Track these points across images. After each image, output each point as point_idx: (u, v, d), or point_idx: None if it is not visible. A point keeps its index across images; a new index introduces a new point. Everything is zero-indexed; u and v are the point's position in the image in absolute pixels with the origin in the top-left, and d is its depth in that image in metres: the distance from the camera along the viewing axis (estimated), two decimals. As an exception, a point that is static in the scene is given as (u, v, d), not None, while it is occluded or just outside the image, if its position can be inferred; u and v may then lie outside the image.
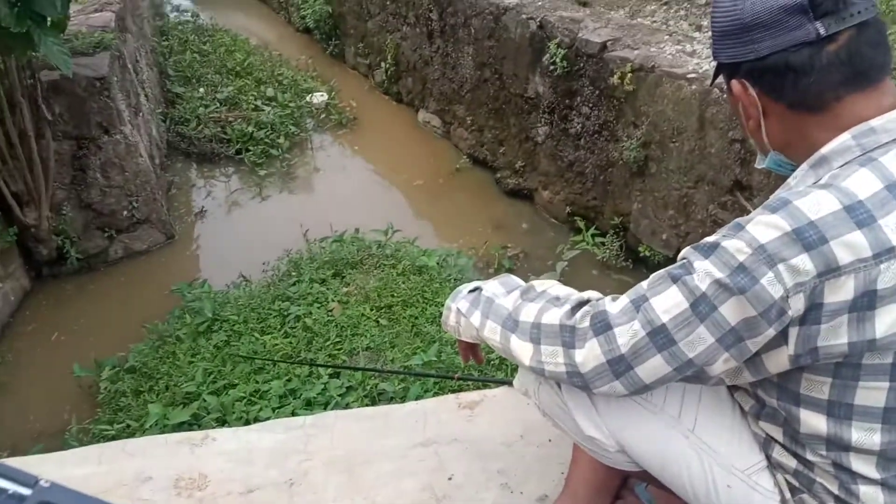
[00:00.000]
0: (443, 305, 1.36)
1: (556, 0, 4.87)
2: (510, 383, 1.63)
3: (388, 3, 6.39)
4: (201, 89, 6.43)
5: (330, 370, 2.95)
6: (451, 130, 5.92)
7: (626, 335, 1.01)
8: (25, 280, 4.14)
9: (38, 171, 3.87)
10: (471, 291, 1.31)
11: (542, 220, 4.93)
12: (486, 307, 1.24)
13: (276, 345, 3.23)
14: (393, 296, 3.54)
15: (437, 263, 3.84)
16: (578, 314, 1.09)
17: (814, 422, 1.00)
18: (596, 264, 4.29)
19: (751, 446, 1.14)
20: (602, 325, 1.04)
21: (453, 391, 2.34)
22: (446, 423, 1.77)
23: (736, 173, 3.43)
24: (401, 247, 4.08)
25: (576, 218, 4.58)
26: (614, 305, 1.05)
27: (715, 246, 0.94)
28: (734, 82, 1.03)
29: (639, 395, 1.14)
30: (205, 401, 2.84)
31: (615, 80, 3.97)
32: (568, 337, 1.08)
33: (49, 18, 3.42)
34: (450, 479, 1.60)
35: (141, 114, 4.91)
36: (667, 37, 4.13)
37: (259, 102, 6.24)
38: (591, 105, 4.28)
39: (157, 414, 2.77)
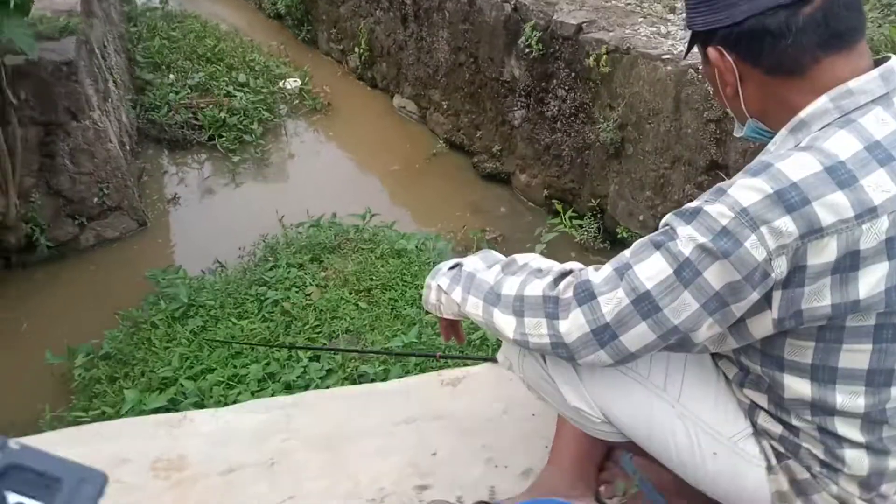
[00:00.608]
0: (422, 288, 1.35)
1: (531, -18, 4.85)
2: (493, 360, 1.62)
3: (361, -14, 6.32)
4: (171, 76, 6.29)
5: (309, 353, 2.92)
6: (426, 115, 5.88)
7: (611, 303, 1.00)
8: (-7, 269, 4.05)
9: (5, 157, 3.77)
10: (451, 268, 1.29)
11: (520, 203, 4.94)
12: (467, 282, 1.23)
13: (254, 329, 3.20)
14: (372, 279, 3.52)
15: (416, 247, 3.82)
16: (561, 285, 1.08)
17: (798, 387, 1.01)
18: (574, 246, 4.30)
19: (736, 414, 1.14)
20: (586, 295, 1.03)
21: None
22: (429, 400, 1.76)
23: (712, 153, 3.45)
24: (379, 231, 4.05)
25: (553, 201, 4.59)
26: (597, 274, 1.04)
27: (697, 211, 0.94)
28: (711, 49, 1.01)
29: (623, 365, 1.14)
30: (182, 386, 2.80)
31: (591, 62, 3.97)
32: (551, 308, 1.07)
33: (12, 1, 3.33)
34: (434, 455, 1.60)
35: (110, 99, 4.80)
36: (641, 19, 4.14)
37: (231, 88, 6.12)
38: (567, 87, 4.28)
39: (133, 400, 2.72)
